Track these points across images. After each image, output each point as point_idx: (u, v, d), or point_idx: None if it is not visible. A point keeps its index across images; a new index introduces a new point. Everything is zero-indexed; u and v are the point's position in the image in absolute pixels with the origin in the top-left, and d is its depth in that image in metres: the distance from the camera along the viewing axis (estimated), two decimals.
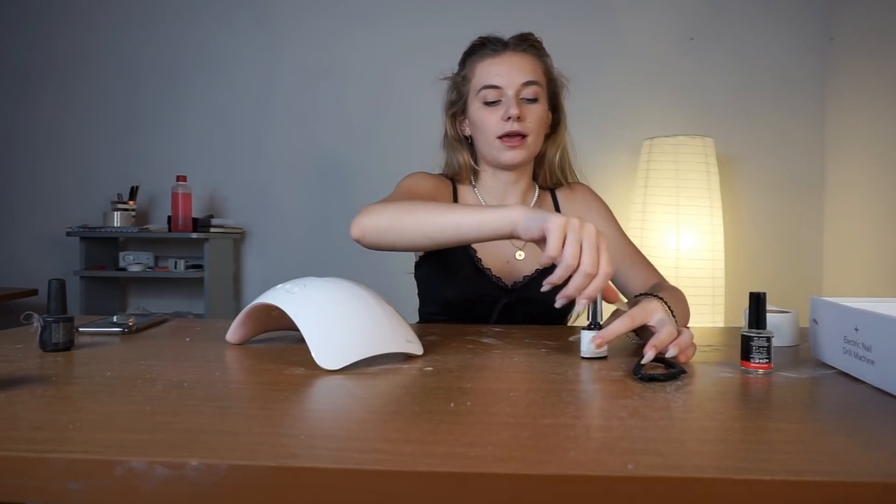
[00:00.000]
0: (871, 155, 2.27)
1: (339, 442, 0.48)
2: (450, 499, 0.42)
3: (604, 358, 0.78)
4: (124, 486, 0.43)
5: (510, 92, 1.12)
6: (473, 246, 1.17)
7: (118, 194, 2.71)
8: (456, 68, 1.24)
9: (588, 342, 0.78)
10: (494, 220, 0.82)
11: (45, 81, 2.85)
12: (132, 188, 2.72)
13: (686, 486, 0.42)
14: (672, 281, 2.23)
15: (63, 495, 0.43)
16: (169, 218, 2.61)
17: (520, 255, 1.19)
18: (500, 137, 1.13)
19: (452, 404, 0.58)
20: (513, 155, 1.13)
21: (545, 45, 1.21)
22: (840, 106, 2.47)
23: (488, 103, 1.13)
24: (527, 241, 0.80)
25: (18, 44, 2.85)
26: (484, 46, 1.17)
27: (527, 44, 1.16)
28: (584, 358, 0.78)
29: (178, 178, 2.60)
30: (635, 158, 2.52)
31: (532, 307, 1.16)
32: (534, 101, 1.13)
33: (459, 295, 1.16)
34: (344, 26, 2.72)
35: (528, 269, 1.18)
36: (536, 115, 1.14)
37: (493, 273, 1.16)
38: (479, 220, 0.83)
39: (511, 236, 0.82)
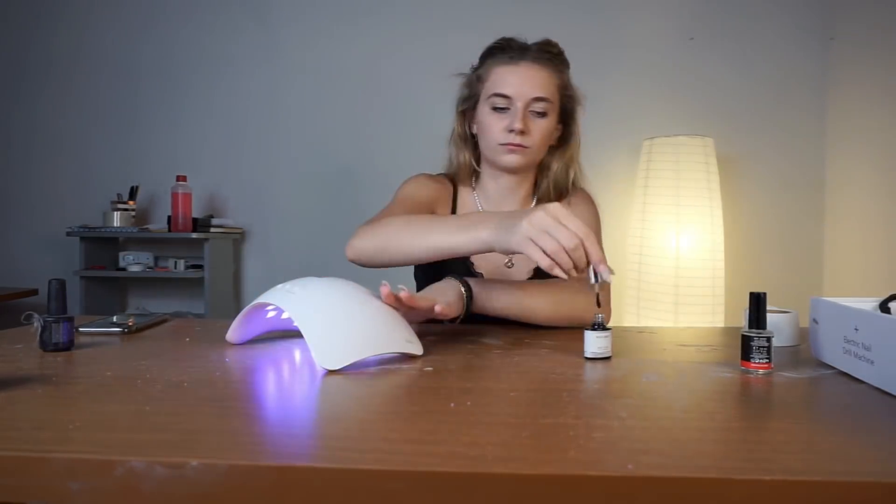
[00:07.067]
0: (871, 155, 2.27)
1: (339, 442, 0.48)
2: (450, 499, 0.42)
3: (607, 358, 0.78)
4: (124, 486, 0.43)
5: (519, 104, 1.11)
6: None
7: (118, 194, 2.71)
8: (462, 68, 1.23)
9: (592, 342, 0.78)
10: (467, 243, 0.86)
11: (45, 81, 2.85)
12: (132, 188, 2.72)
13: (686, 486, 0.42)
14: (672, 281, 2.25)
15: (63, 495, 0.43)
16: (169, 218, 2.60)
17: (509, 262, 1.19)
18: (502, 144, 1.13)
19: (452, 404, 0.58)
20: (512, 158, 1.14)
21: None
22: (840, 106, 2.47)
23: (496, 108, 1.13)
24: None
25: (18, 43, 2.85)
26: (504, 51, 1.15)
27: (547, 55, 1.14)
28: (587, 358, 0.78)
29: (178, 178, 2.60)
30: (635, 158, 2.52)
31: None
32: (542, 115, 1.13)
33: None
34: (345, 27, 2.72)
35: (520, 275, 1.19)
36: (542, 131, 1.13)
37: (486, 277, 1.17)
38: (454, 244, 0.88)
39: (492, 251, 0.85)
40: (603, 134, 2.58)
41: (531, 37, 1.19)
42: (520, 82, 1.11)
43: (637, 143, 2.50)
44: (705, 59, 2.58)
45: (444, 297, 0.92)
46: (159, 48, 2.81)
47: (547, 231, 0.76)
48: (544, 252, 0.77)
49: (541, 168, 1.24)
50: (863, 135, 2.32)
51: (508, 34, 1.19)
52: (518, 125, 1.10)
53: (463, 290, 0.96)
